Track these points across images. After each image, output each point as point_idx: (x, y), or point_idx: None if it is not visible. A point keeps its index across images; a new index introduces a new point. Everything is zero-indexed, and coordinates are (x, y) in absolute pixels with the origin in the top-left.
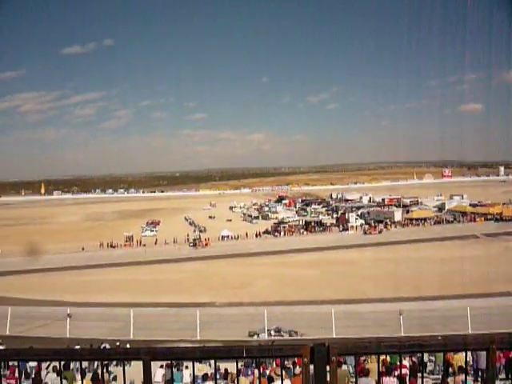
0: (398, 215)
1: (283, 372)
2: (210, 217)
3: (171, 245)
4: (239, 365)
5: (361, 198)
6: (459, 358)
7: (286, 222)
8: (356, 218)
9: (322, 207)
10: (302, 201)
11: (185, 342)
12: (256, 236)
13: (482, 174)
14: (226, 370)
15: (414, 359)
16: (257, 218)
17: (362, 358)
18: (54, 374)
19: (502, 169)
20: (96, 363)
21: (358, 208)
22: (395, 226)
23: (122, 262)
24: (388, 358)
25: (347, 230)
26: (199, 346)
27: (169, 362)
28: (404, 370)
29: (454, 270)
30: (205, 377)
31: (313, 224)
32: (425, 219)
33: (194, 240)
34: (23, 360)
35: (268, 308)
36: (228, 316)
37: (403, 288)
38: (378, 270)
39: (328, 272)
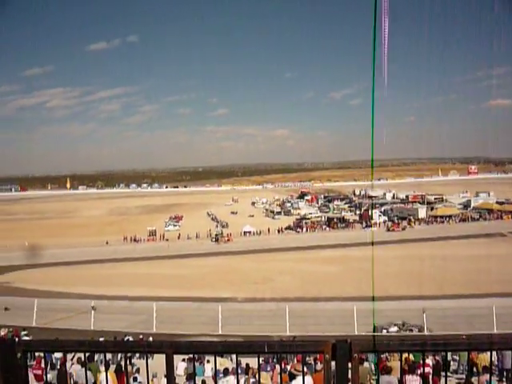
0: (422, 212)
1: (304, 368)
2: (232, 212)
3: (194, 240)
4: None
5: (384, 194)
6: (484, 358)
7: (309, 218)
8: (379, 215)
9: (345, 203)
10: (325, 197)
11: (207, 336)
12: (278, 232)
13: (509, 171)
14: (247, 364)
15: (437, 358)
16: (279, 213)
17: (384, 356)
18: (79, 366)
19: None
20: (120, 355)
21: (382, 205)
22: (419, 224)
23: (145, 256)
24: (411, 356)
25: (370, 226)
26: (221, 340)
27: (191, 355)
28: (427, 369)
29: (479, 269)
30: (226, 371)
31: (335, 220)
32: (450, 217)
33: (217, 235)
34: (49, 351)
35: (289, 304)
36: (249, 311)
37: (427, 286)
38: (401, 268)
39: (350, 269)
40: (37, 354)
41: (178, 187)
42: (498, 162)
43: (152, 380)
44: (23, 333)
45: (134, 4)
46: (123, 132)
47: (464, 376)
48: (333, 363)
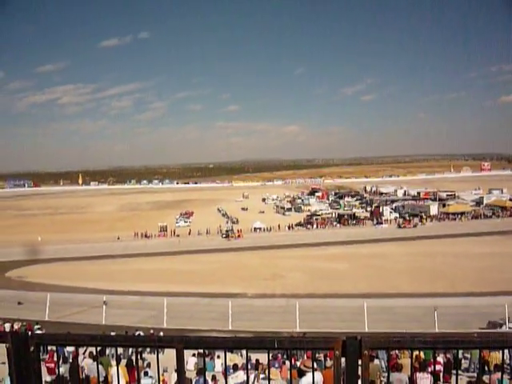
0: (434, 209)
1: (314, 364)
2: (243, 208)
3: (204, 236)
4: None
5: (395, 191)
6: (495, 356)
7: (319, 215)
8: (390, 212)
9: (356, 200)
10: (336, 193)
11: (217, 331)
12: (288, 228)
13: None
14: (257, 360)
15: (448, 356)
16: (289, 210)
17: (395, 353)
18: (91, 360)
19: None
20: (131, 350)
21: (393, 201)
22: (431, 220)
23: (156, 251)
24: (422, 354)
25: (381, 223)
26: (231, 336)
27: (201, 350)
28: (438, 367)
29: (491, 266)
30: (235, 367)
31: (346, 217)
32: (462, 214)
33: (227, 231)
34: (61, 345)
35: (300, 300)
36: (259, 307)
37: (438, 283)
38: (412, 265)
39: (361, 265)
40: (49, 347)
41: (188, 183)
42: (511, 159)
43: (162, 374)
44: (36, 326)
45: (146, 1)
46: (134, 128)
47: (475, 374)
48: (343, 360)
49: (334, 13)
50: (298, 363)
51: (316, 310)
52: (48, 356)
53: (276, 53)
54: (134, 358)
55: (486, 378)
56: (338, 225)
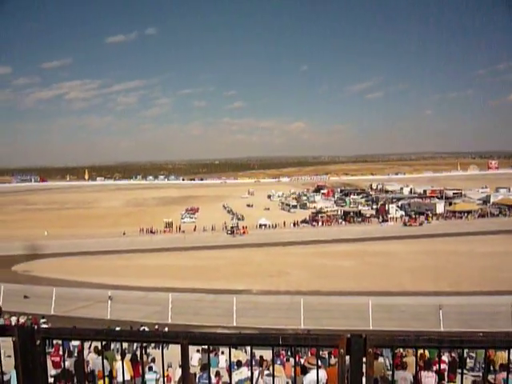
0: (440, 207)
1: (318, 362)
2: (248, 205)
3: (209, 232)
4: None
5: (401, 188)
6: (501, 356)
7: (324, 212)
8: (396, 210)
9: (362, 198)
10: (341, 191)
11: (221, 327)
12: (294, 225)
13: None
14: (261, 357)
15: (453, 355)
16: (295, 207)
17: (400, 352)
18: (96, 354)
19: None
20: (135, 345)
21: (399, 199)
22: (437, 219)
23: (161, 247)
24: (427, 352)
25: (387, 221)
26: (235, 332)
27: (205, 346)
28: (443, 366)
29: (497, 265)
30: (239, 363)
31: (351, 214)
32: (468, 212)
33: (232, 228)
34: (67, 339)
35: (304, 297)
36: (264, 304)
37: (443, 282)
38: (417, 263)
39: (366, 263)
40: (55, 341)
41: (194, 179)
42: None
43: (167, 370)
44: (42, 320)
45: None
46: (140, 124)
47: (480, 374)
48: (347, 358)
49: (334, 13)
50: (302, 360)
51: (320, 307)
52: (54, 350)
53: (283, 52)
54: (138, 352)
55: (491, 377)
56: (344, 222)
